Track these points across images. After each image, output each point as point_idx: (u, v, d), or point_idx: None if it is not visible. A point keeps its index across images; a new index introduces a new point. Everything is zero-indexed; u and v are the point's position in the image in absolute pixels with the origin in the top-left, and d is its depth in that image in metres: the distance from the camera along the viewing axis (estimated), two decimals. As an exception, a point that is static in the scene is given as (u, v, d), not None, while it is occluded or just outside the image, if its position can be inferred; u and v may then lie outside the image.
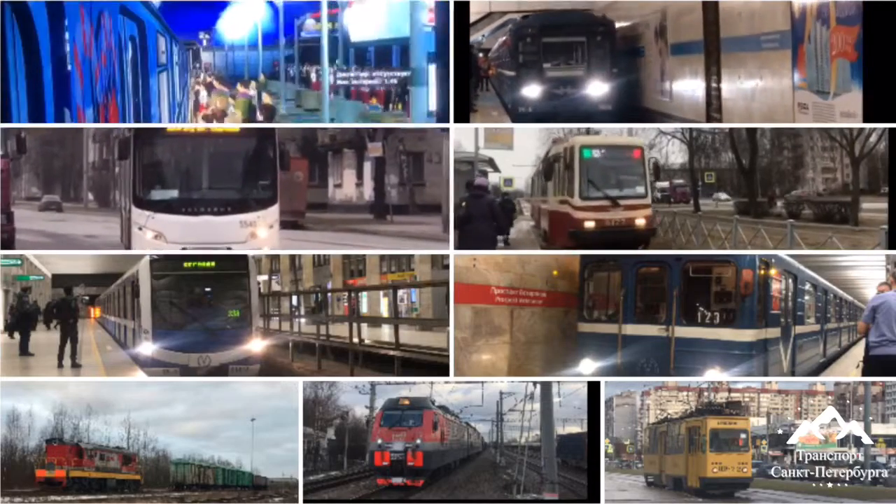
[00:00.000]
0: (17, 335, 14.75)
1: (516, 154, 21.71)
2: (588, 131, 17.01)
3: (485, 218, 11.19)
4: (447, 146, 10.79)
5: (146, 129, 12.57)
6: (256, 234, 12.17)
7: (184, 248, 12.09)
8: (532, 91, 16.50)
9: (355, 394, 14.32)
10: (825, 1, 8.62)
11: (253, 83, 21.75)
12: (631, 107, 17.00)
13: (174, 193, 12.29)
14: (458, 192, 11.84)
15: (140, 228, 12.15)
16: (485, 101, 20.56)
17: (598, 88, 16.42)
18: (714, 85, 13.61)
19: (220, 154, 12.39)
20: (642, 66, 17.47)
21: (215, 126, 12.57)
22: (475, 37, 22.21)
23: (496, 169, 21.59)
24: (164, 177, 12.39)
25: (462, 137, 17.87)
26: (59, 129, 23.96)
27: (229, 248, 12.16)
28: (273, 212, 12.41)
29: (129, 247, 12.67)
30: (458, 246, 11.02)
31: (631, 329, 10.44)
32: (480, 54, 21.92)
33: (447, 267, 10.40)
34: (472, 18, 20.72)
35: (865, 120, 8.81)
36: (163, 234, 12.04)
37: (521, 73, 16.81)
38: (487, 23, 22.27)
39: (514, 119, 16.78)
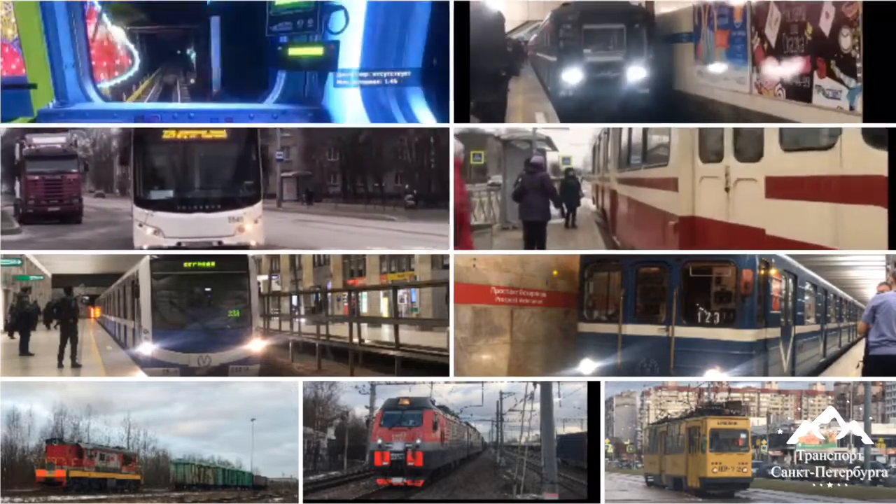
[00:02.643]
0: (17, 335, 14.74)
1: (572, 133, 22.83)
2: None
3: (537, 192, 12.85)
4: (450, 145, 10.92)
5: (144, 136, 13.39)
6: (244, 228, 13.22)
7: (179, 243, 13.03)
8: (573, 76, 16.27)
9: (355, 394, 14.29)
10: (711, 15, 13.52)
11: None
12: (667, 90, 16.64)
13: (170, 193, 13.39)
14: (516, 171, 13.77)
15: (141, 225, 13.20)
16: (526, 71, 21.23)
17: (636, 73, 16.22)
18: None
19: (210, 157, 13.52)
20: (677, 52, 16.72)
21: (205, 127, 13.46)
22: (519, 34, 23.35)
23: (553, 147, 22.41)
24: (160, 179, 13.49)
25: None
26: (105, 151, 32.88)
27: (220, 242, 13.06)
28: (257, 208, 13.56)
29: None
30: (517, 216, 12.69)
31: (631, 329, 10.45)
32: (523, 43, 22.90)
33: (447, 267, 10.39)
34: (511, 26, 22.09)
35: (865, 120, 8.80)
36: (161, 230, 13.06)
37: (561, 58, 16.63)
38: (524, 27, 23.20)
39: (555, 102, 16.66)
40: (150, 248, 13.05)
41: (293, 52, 12.43)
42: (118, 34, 16.52)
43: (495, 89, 14.16)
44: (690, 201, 10.39)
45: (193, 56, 20.70)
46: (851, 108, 8.72)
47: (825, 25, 8.93)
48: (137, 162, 13.48)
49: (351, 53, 12.34)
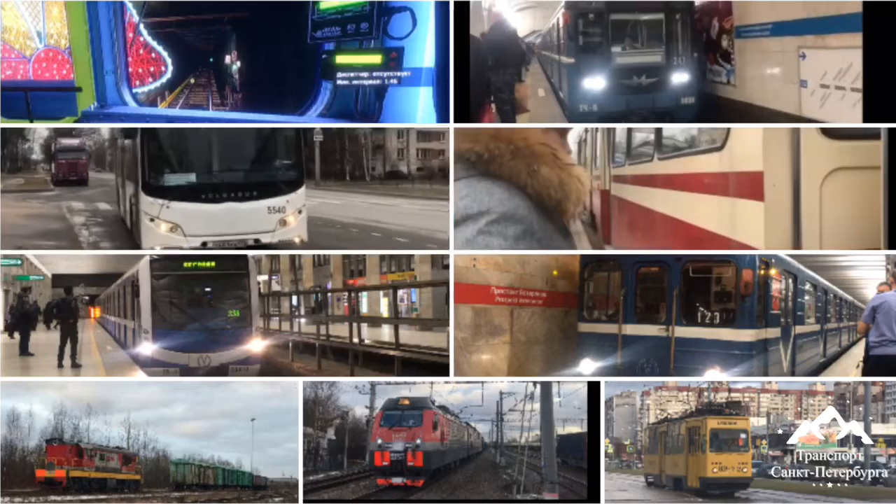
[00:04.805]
0: (17, 335, 14.74)
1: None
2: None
3: None
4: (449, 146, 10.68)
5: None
6: (287, 220, 10.92)
7: (204, 243, 11.08)
8: (596, 83, 12.60)
9: (355, 394, 14.33)
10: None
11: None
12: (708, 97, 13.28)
13: (192, 178, 10.79)
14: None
15: (152, 220, 10.61)
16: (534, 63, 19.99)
17: (679, 77, 12.73)
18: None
19: (239, 131, 11.11)
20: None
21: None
22: (528, 40, 22.22)
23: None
24: (177, 159, 10.92)
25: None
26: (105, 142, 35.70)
27: (257, 241, 11.23)
28: (301, 195, 11.14)
29: (138, 237, 11.53)
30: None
31: (631, 329, 10.44)
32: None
33: (447, 267, 10.39)
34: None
35: (865, 120, 8.80)
36: (179, 226, 10.60)
37: (581, 59, 12.87)
38: (531, 35, 22.98)
39: (572, 117, 13.30)
40: (166, 250, 10.96)
41: (341, 60, 10.82)
42: (154, 44, 17.17)
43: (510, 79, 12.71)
44: (788, 224, 7.74)
45: (228, 64, 20.96)
46: (728, 81, 12.50)
47: (713, 33, 12.86)
48: (146, 136, 10.82)
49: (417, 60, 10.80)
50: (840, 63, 9.27)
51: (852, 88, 9.11)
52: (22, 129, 28.84)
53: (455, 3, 10.26)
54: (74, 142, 27.87)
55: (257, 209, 10.76)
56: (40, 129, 30.55)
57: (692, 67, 12.79)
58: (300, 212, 11.04)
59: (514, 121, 10.92)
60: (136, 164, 11.08)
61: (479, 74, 9.74)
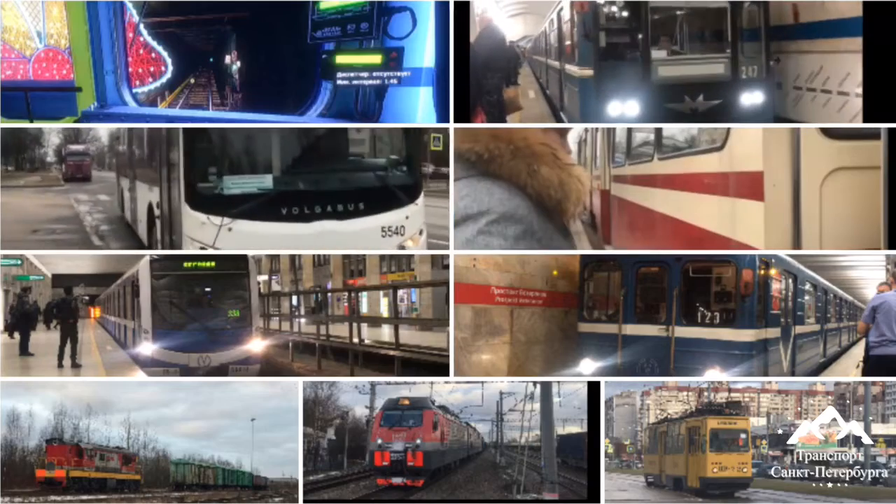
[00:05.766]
0: (17, 335, 14.74)
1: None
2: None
3: None
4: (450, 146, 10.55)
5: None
6: (406, 246, 8.09)
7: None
8: (627, 107, 8.87)
9: (355, 394, 14.32)
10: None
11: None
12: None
13: (266, 182, 7.58)
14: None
15: (203, 249, 7.72)
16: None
17: (751, 98, 8.94)
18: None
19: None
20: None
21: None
22: (522, 42, 21.89)
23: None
24: (242, 156, 7.82)
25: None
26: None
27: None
28: (422, 208, 8.15)
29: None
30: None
31: (631, 329, 10.44)
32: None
33: (447, 267, 10.38)
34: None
35: (865, 120, 8.79)
36: None
37: (603, 70, 9.02)
38: (521, 40, 22.77)
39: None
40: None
41: (341, 59, 10.30)
42: (154, 44, 17.33)
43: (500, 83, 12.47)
44: (788, 224, 7.45)
45: (228, 64, 21.00)
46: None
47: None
48: (191, 134, 7.70)
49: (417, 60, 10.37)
50: (811, 66, 9.36)
51: (822, 90, 9.25)
52: (38, 136, 35.29)
53: (455, 3, 10.26)
54: (80, 147, 34.06)
55: (366, 230, 7.72)
56: (53, 137, 36.03)
57: (768, 83, 9.03)
58: (422, 232, 8.18)
59: (503, 122, 9.81)
60: (176, 164, 7.93)
61: (473, 78, 9.69)
